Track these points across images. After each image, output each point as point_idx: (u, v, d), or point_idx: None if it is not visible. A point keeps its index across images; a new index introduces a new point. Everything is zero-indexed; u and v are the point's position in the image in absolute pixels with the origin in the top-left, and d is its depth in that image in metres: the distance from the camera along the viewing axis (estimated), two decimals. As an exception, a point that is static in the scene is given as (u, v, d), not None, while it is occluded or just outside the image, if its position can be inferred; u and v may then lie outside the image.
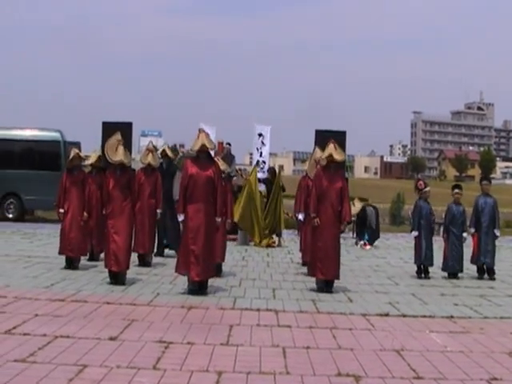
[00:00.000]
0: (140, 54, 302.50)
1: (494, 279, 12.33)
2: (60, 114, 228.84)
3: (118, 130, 10.95)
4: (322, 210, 10.17)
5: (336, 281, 10.99)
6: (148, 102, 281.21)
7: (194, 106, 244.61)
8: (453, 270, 12.41)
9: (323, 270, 10.12)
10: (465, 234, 12.60)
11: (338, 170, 10.49)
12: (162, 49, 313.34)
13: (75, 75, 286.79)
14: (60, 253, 11.93)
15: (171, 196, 13.47)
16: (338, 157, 10.20)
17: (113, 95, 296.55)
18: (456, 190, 12.71)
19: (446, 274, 12.48)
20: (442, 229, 13.30)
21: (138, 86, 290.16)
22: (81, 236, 11.95)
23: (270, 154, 22.68)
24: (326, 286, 10.21)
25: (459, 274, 12.48)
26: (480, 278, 12.42)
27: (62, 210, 12.00)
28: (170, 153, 14.50)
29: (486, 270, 12.56)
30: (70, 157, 12.29)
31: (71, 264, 11.72)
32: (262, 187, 19.34)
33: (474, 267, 12.87)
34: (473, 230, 12.69)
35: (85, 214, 11.99)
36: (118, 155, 10.30)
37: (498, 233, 12.72)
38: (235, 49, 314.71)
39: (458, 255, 12.45)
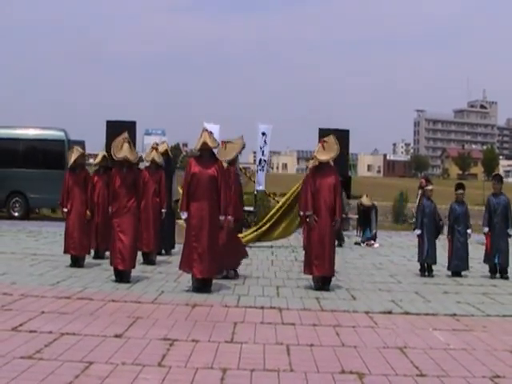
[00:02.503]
0: (143, 54, 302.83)
1: (506, 278, 12.31)
2: (64, 114, 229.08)
3: (125, 130, 11.05)
4: (316, 207, 10.19)
5: (339, 279, 11.05)
6: (152, 101, 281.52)
7: (197, 105, 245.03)
8: (457, 268, 12.42)
9: (319, 266, 10.11)
10: (469, 231, 12.63)
11: (330, 166, 10.50)
12: (165, 48, 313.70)
13: (79, 75, 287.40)
14: (65, 252, 12.00)
15: (170, 195, 13.56)
16: (323, 157, 10.25)
17: (117, 94, 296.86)
18: (459, 191, 12.75)
19: (450, 273, 12.50)
20: (444, 227, 13.29)
21: (142, 86, 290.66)
22: (84, 234, 12.00)
23: (274, 152, 22.84)
24: (322, 283, 10.21)
25: (463, 272, 12.49)
26: (492, 277, 12.34)
27: (65, 209, 12.06)
28: (161, 149, 14.40)
29: (498, 270, 12.47)
30: (75, 157, 12.29)
31: (76, 262, 11.78)
32: (262, 186, 19.43)
33: (478, 265, 12.90)
34: (486, 229, 12.58)
35: (88, 212, 12.04)
36: (123, 151, 10.37)
37: (511, 232, 12.55)
38: (237, 48, 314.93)
39: (463, 254, 12.48)
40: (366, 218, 18.90)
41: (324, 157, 10.27)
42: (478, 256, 13.35)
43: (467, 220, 12.68)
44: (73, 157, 12.26)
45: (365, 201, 19.18)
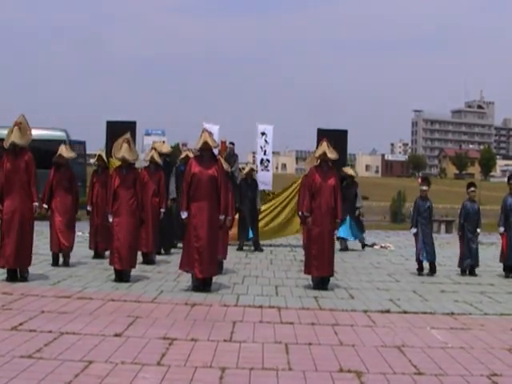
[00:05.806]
0: (143, 54, 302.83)
1: None
2: (64, 114, 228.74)
3: (126, 130, 11.11)
4: (316, 208, 10.21)
5: (338, 278, 11.08)
6: (151, 101, 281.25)
7: (197, 106, 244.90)
8: (470, 266, 12.48)
9: (318, 267, 10.14)
10: (478, 230, 12.74)
11: (330, 167, 10.53)
12: (165, 48, 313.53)
13: (79, 75, 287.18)
14: (51, 249, 11.96)
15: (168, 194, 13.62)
16: (331, 155, 10.30)
17: (117, 94, 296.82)
18: (472, 188, 12.89)
19: (443, 272, 12.53)
20: (442, 226, 13.34)
21: (142, 86, 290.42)
22: (70, 232, 11.94)
23: (273, 152, 22.70)
24: (321, 283, 10.24)
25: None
26: (507, 276, 12.36)
27: (45, 206, 11.99)
28: (166, 150, 14.42)
29: None
30: (57, 153, 12.37)
31: (63, 260, 11.75)
32: (267, 186, 19.40)
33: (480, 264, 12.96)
34: (502, 229, 12.62)
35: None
36: (121, 152, 10.40)
37: None
38: (236, 48, 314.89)
39: (474, 252, 12.58)
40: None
41: (333, 155, 10.31)
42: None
43: (479, 219, 12.82)
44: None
45: (348, 170, 17.25)
